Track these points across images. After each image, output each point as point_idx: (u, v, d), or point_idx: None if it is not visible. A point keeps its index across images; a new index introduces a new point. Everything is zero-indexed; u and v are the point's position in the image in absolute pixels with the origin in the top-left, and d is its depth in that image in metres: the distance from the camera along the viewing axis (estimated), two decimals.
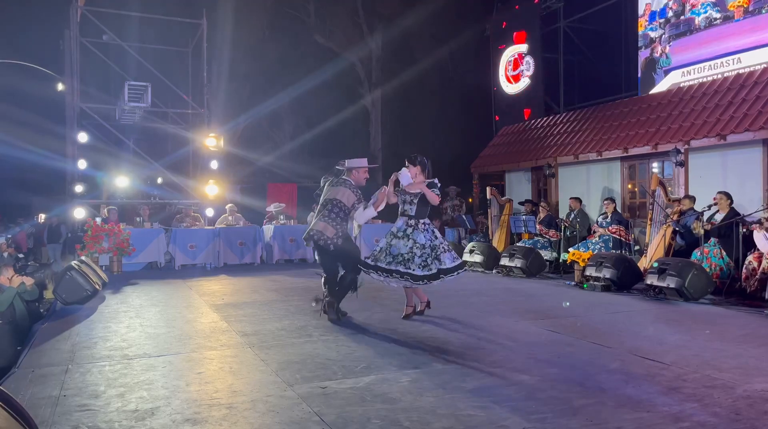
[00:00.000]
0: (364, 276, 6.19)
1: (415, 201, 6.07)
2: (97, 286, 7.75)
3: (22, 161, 18.69)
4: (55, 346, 5.21)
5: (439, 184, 6.25)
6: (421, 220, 6.07)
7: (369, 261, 6.03)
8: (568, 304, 7.14)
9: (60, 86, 15.69)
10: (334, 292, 6.12)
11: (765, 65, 9.75)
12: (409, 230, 6.00)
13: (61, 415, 3.42)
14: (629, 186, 12.03)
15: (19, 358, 4.89)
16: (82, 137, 13.15)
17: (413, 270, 5.82)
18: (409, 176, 6.13)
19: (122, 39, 14.17)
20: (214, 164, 14.29)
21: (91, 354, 4.89)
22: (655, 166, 11.49)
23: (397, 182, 6.22)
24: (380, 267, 5.91)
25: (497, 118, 16.31)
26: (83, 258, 9.22)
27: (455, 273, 6.00)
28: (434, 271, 5.87)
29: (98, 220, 11.48)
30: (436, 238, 6.09)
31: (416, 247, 5.90)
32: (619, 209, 10.80)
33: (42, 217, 14.92)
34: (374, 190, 6.33)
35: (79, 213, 12.62)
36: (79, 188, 13.00)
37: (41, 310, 7.19)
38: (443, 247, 6.06)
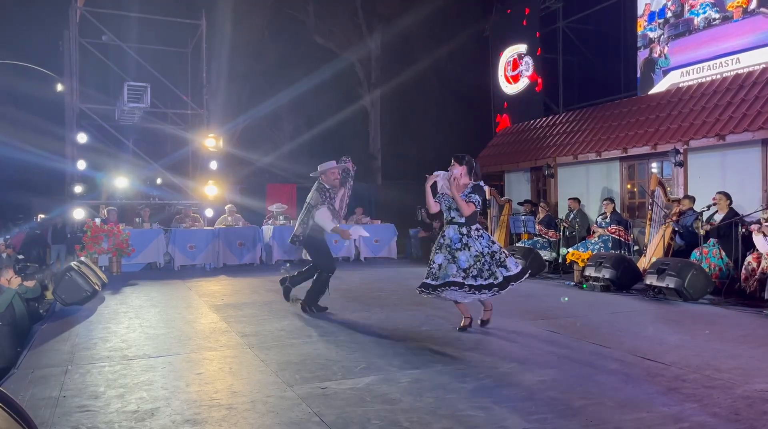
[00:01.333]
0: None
1: None
2: (97, 287, 7.75)
3: (22, 162, 18.66)
4: (54, 347, 5.21)
5: (484, 188, 5.69)
6: (473, 226, 5.54)
7: (457, 278, 5.35)
8: (566, 299, 7.14)
9: (59, 87, 15.69)
10: (295, 281, 6.77)
11: (764, 65, 9.75)
12: (465, 239, 5.46)
13: (61, 416, 3.42)
14: (628, 186, 12.03)
15: (19, 359, 4.89)
16: (82, 138, 13.15)
17: (484, 280, 5.34)
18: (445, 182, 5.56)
19: (121, 40, 14.16)
20: (213, 165, 14.28)
21: (90, 355, 4.89)
22: (655, 167, 11.49)
23: (434, 186, 5.67)
24: (469, 283, 5.34)
25: (504, 116, 16.23)
26: (83, 259, 9.22)
27: (522, 279, 5.55)
28: (501, 279, 5.39)
29: (98, 220, 11.47)
30: (493, 243, 5.56)
31: (472, 257, 5.40)
32: (618, 209, 10.80)
33: (40, 217, 14.88)
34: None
35: (79, 214, 12.62)
36: (78, 189, 13.00)
37: (41, 311, 7.19)
38: (504, 252, 5.56)
